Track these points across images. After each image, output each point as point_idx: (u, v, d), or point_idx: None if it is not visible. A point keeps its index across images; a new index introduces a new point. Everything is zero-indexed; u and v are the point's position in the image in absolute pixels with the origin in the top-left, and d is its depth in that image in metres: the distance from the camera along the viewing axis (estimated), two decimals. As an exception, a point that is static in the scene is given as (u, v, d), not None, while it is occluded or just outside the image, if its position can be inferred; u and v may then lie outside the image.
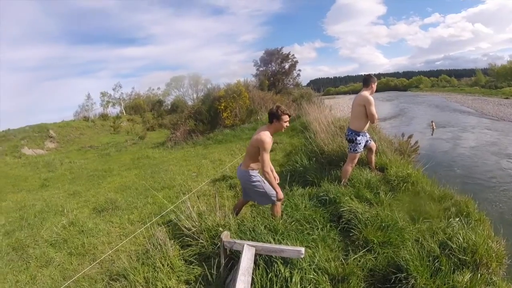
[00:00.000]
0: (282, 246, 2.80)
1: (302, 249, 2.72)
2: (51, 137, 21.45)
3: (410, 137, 7.35)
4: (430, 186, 4.97)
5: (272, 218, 3.83)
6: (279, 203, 3.90)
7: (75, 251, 4.36)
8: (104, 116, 32.65)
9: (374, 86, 5.00)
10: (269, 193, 3.78)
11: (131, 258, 3.52)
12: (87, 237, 4.71)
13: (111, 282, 3.31)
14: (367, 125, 5.06)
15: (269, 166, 3.64)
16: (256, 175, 3.79)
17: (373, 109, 4.82)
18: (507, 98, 26.62)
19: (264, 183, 3.81)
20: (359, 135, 4.99)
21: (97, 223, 5.20)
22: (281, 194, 3.76)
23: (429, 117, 18.43)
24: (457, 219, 3.72)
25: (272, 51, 26.89)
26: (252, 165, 3.75)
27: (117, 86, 47.62)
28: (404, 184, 4.92)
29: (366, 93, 4.93)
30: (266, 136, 3.57)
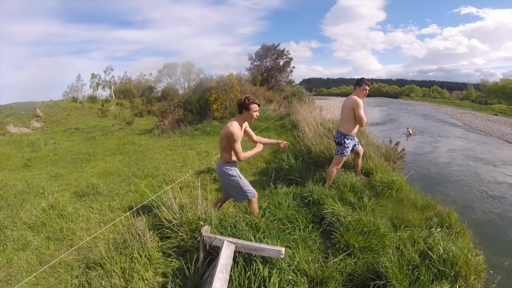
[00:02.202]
0: (263, 245, 2.78)
1: (282, 249, 2.70)
2: (38, 116, 21.03)
3: (397, 144, 7.41)
4: (414, 194, 5.00)
5: (251, 215, 3.80)
6: (255, 200, 3.88)
7: (53, 236, 4.27)
8: (92, 98, 32.24)
9: (366, 89, 4.95)
10: (245, 189, 3.78)
11: (108, 247, 3.47)
12: (66, 222, 4.62)
13: (87, 270, 3.27)
14: (356, 128, 5.04)
15: (241, 153, 3.65)
16: (232, 169, 3.78)
17: (362, 112, 4.81)
18: (496, 114, 27.11)
19: (241, 178, 3.81)
20: (347, 139, 4.97)
21: (77, 208, 5.11)
22: (281, 142, 4.12)
23: (417, 126, 18.77)
24: (439, 229, 3.73)
25: (269, 46, 26.81)
26: (227, 157, 3.74)
27: (108, 69, 47.05)
28: (388, 191, 4.94)
29: (355, 96, 4.91)
30: (233, 127, 3.57)
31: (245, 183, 3.81)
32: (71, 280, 3.22)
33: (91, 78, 45.74)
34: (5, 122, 18.16)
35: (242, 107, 3.67)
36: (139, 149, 11.03)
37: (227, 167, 3.75)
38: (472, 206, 6.19)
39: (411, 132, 15.73)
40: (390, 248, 3.42)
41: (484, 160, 10.50)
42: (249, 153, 3.78)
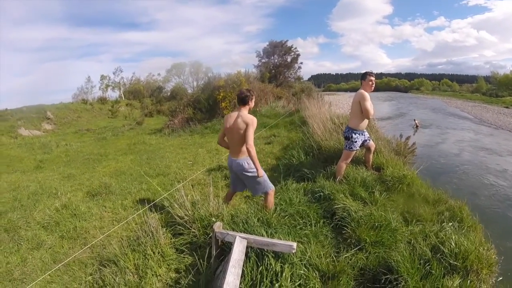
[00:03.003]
0: (274, 240, 2.79)
1: (294, 244, 2.71)
2: (49, 118, 21.36)
3: (408, 138, 7.35)
4: (425, 188, 4.95)
5: (264, 210, 3.82)
6: (272, 194, 3.92)
7: (67, 235, 4.35)
8: (102, 100, 32.55)
9: (372, 80, 4.91)
10: (266, 182, 3.84)
11: (122, 244, 3.51)
12: (80, 221, 4.70)
13: (101, 267, 3.32)
14: (364, 122, 5.01)
15: (252, 141, 3.65)
16: (251, 162, 3.79)
17: (367, 104, 4.78)
18: (507, 107, 26.64)
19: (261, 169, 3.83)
20: (355, 133, 4.95)
21: (90, 207, 5.19)
22: (261, 172, 3.77)
23: (428, 119, 18.62)
24: (450, 223, 3.70)
25: (276, 43, 26.68)
26: (245, 150, 3.74)
27: (117, 70, 47.57)
28: (400, 185, 4.90)
29: (362, 90, 4.90)
30: (251, 116, 3.73)
31: (265, 175, 3.86)
32: (85, 278, 3.28)
33: (100, 80, 46.31)
34: (17, 126, 18.49)
35: (248, 99, 3.83)
36: (150, 148, 11.13)
37: (247, 161, 3.78)
38: (484, 200, 6.17)
39: (417, 124, 15.93)
40: (401, 242, 3.41)
41: (497, 154, 10.39)
42: (255, 156, 3.72)
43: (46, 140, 14.69)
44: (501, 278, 3.30)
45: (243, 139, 3.67)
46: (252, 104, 3.88)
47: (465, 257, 3.00)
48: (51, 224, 4.64)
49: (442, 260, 2.99)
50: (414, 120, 16.92)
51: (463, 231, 3.54)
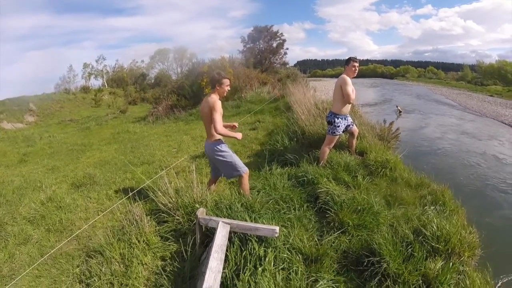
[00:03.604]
0: (257, 225, 2.84)
1: (277, 228, 2.76)
2: (31, 110, 20.92)
3: (391, 123, 7.44)
4: (408, 173, 5.07)
5: (241, 193, 3.87)
6: (246, 177, 3.95)
7: (53, 228, 4.30)
8: (85, 89, 31.96)
9: (355, 66, 4.97)
10: (237, 165, 3.86)
11: (107, 234, 3.52)
12: (65, 213, 4.63)
13: (87, 258, 3.32)
14: (347, 107, 5.08)
15: (221, 124, 3.70)
16: (223, 145, 3.86)
17: (349, 88, 4.84)
18: (491, 95, 26.95)
19: (233, 153, 3.90)
20: (337, 118, 5.02)
21: (75, 199, 5.12)
22: (239, 135, 3.91)
23: (411, 106, 18.90)
24: (433, 207, 3.78)
25: (261, 28, 26.45)
26: (215, 133, 3.78)
27: (100, 58, 46.45)
28: (382, 170, 5.00)
29: (344, 74, 4.96)
30: (216, 98, 3.70)
31: (237, 159, 3.90)
32: (72, 270, 3.28)
33: (83, 68, 45.31)
34: (-1, 119, 18.02)
35: (216, 82, 3.78)
36: (134, 137, 11.04)
37: (218, 145, 3.82)
38: (463, 180, 6.36)
39: (400, 110, 16.26)
40: (384, 225, 3.47)
41: (477, 138, 10.70)
42: (228, 132, 3.83)
43: (29, 133, 14.44)
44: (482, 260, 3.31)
45: (210, 122, 3.72)
46: (222, 88, 3.80)
47: (447, 240, 3.05)
48: (37, 218, 4.57)
49: (424, 243, 3.03)
50: (397, 106, 17.17)
51: (445, 214, 3.61)
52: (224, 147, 3.84)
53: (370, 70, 78.48)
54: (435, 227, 3.18)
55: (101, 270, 3.01)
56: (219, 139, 3.83)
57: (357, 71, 5.02)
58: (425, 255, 2.89)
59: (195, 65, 19.18)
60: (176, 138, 9.49)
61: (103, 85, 40.30)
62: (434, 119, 14.83)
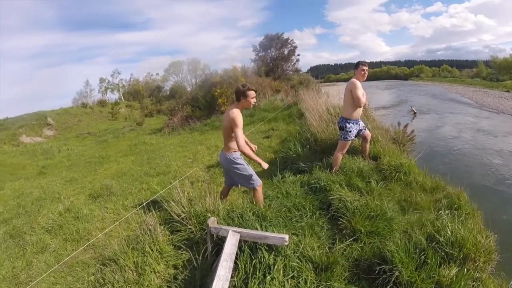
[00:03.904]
0: (267, 233, 2.85)
1: (286, 237, 2.75)
2: (49, 124, 21.46)
3: (406, 126, 7.36)
4: (423, 176, 4.95)
5: (256, 204, 3.87)
6: (259, 189, 3.92)
7: (70, 237, 4.45)
8: (102, 103, 32.68)
9: (364, 69, 4.96)
10: (251, 177, 3.84)
11: (122, 243, 3.59)
12: (82, 223, 4.80)
13: (102, 266, 3.39)
14: (358, 111, 5.04)
15: (243, 140, 3.66)
16: (239, 157, 3.84)
17: (359, 92, 4.82)
18: (508, 91, 26.27)
19: (248, 166, 3.88)
20: (349, 123, 4.98)
21: (92, 209, 5.28)
22: (265, 165, 3.81)
23: (428, 106, 18.62)
24: (447, 211, 3.68)
25: (272, 36, 26.60)
26: (232, 146, 3.78)
27: (115, 72, 47.55)
28: (397, 174, 4.92)
29: (354, 78, 4.95)
30: (237, 113, 3.62)
31: (252, 171, 3.88)
32: (87, 278, 3.37)
33: (99, 83, 46.48)
34: (18, 134, 18.60)
35: (240, 95, 3.72)
36: (150, 148, 11.23)
37: (234, 155, 3.81)
38: (484, 182, 6.19)
39: (415, 111, 16.11)
40: (397, 232, 3.40)
41: (494, 135, 10.44)
42: (250, 152, 3.72)
43: (48, 146, 14.83)
44: (500, 265, 3.18)
45: (229, 135, 3.72)
46: (247, 101, 3.72)
47: (462, 246, 2.96)
48: (55, 228, 4.75)
49: (438, 249, 2.93)
50: (411, 107, 17.03)
51: (461, 218, 3.49)
52: (239, 159, 3.83)
53: (384, 72, 78.21)
54: (449, 232, 3.09)
55: (114, 277, 3.07)
56: (236, 151, 3.81)
57: (366, 75, 5.00)
58: (438, 262, 2.80)
59: (208, 76, 19.44)
60: (192, 148, 9.61)
61: (119, 99, 41.16)
62: (450, 118, 14.58)
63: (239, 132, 3.58)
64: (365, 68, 4.97)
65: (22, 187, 7.87)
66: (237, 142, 3.61)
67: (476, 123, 13.10)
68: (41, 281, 3.43)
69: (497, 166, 7.15)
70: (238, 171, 3.84)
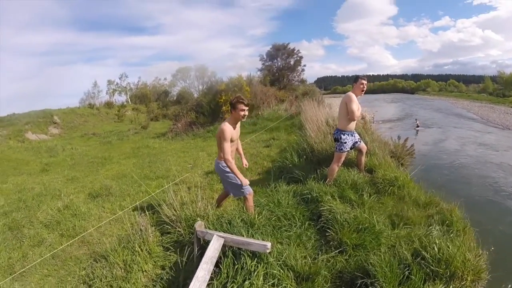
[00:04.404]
0: (250, 240, 2.93)
1: (268, 244, 2.83)
2: (55, 123, 21.79)
3: (406, 140, 7.41)
4: (417, 191, 4.96)
5: (247, 211, 3.95)
6: (250, 198, 4.01)
7: (66, 233, 4.59)
8: (109, 104, 33.05)
9: (363, 83, 5.02)
10: (243, 186, 3.92)
11: (114, 241, 3.72)
12: (79, 221, 4.93)
13: (93, 262, 3.52)
14: (353, 124, 5.09)
15: (229, 154, 3.78)
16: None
17: (353, 106, 4.86)
18: (514, 107, 26.27)
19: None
20: (344, 134, 5.03)
21: (90, 208, 5.43)
22: (245, 181, 3.89)
23: (432, 120, 18.65)
24: (437, 227, 3.66)
25: (279, 46, 26.88)
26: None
27: (123, 76, 48.14)
28: (390, 188, 4.93)
29: (350, 92, 5.03)
30: (225, 126, 3.77)
31: (243, 180, 3.96)
32: (79, 272, 3.51)
33: (107, 85, 47.08)
34: (24, 130, 18.96)
35: (231, 107, 3.89)
36: (152, 152, 11.38)
37: (223, 164, 3.91)
38: (481, 194, 6.20)
39: (418, 124, 16.14)
40: (384, 246, 3.41)
41: (495, 149, 10.52)
42: (234, 167, 3.86)
43: (53, 144, 15.08)
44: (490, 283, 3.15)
45: (219, 145, 3.87)
46: (236, 112, 3.84)
47: (449, 263, 2.93)
48: (53, 223, 4.89)
49: (424, 266, 2.93)
50: (416, 120, 17.13)
51: (451, 235, 3.48)
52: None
53: (390, 85, 78.34)
54: (436, 248, 3.07)
55: (103, 273, 3.21)
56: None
57: (365, 89, 5.07)
58: (423, 278, 2.80)
59: (213, 83, 19.66)
60: (193, 154, 9.71)
61: (126, 101, 41.57)
62: (454, 132, 14.66)
63: (225, 145, 3.75)
64: (364, 82, 5.04)
65: (24, 182, 8.04)
66: (223, 154, 3.79)
67: (479, 137, 13.16)
68: (35, 272, 3.59)
69: (496, 178, 7.20)
70: (229, 180, 3.94)
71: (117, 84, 47.64)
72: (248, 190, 3.98)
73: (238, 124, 4.02)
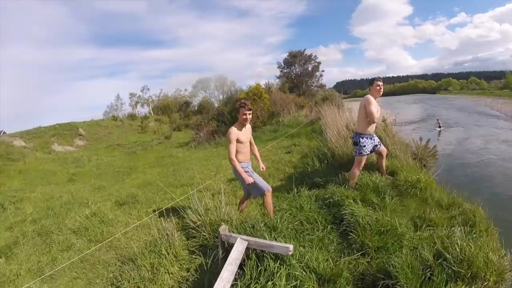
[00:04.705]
0: (272, 242, 3.00)
1: (291, 246, 2.88)
2: (80, 135, 22.55)
3: (428, 141, 7.31)
4: (440, 192, 4.90)
5: (266, 212, 4.10)
6: (269, 195, 4.15)
7: (94, 238, 4.78)
8: (132, 116, 33.97)
9: (379, 85, 5.03)
10: (258, 184, 4.08)
11: (141, 245, 3.91)
12: (107, 227, 5.13)
13: (121, 265, 3.66)
14: (372, 127, 5.09)
15: (232, 154, 4.02)
16: (245, 166, 4.12)
17: (372, 108, 4.86)
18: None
19: (253, 173, 4.13)
20: (362, 137, 5.03)
21: (117, 215, 5.64)
22: (247, 179, 4.02)
23: (455, 120, 18.29)
24: (460, 228, 3.60)
25: (296, 52, 27.00)
26: (238, 157, 4.10)
27: (144, 88, 49.48)
28: (413, 190, 4.89)
29: (368, 95, 5.03)
30: (230, 129, 4.07)
31: (258, 178, 4.14)
32: (107, 274, 3.67)
33: (130, 97, 48.40)
34: (50, 142, 19.77)
35: (236, 112, 4.18)
36: (176, 161, 11.62)
37: (241, 165, 4.09)
38: (505, 192, 6.09)
39: (440, 124, 16.07)
40: (406, 248, 3.39)
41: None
42: (238, 166, 4.06)
43: (79, 155, 15.62)
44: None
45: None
46: (239, 117, 4.17)
47: (471, 264, 2.88)
48: (81, 229, 5.10)
49: (446, 267, 2.91)
50: (437, 120, 16.97)
51: (474, 235, 3.44)
52: (246, 168, 4.12)
53: (411, 86, 77.55)
54: (457, 249, 3.03)
55: (130, 275, 3.35)
56: (242, 161, 4.13)
57: (382, 91, 5.07)
58: (445, 280, 2.78)
59: (233, 93, 19.94)
60: (216, 162, 9.86)
61: (149, 113, 42.49)
62: (476, 130, 14.52)
63: (229, 146, 4.03)
64: (380, 83, 5.05)
65: (52, 191, 8.38)
66: (228, 155, 4.04)
67: (502, 134, 13.00)
68: (64, 275, 3.79)
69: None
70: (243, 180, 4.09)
71: (139, 96, 48.87)
72: (266, 187, 4.14)
73: (248, 127, 4.27)
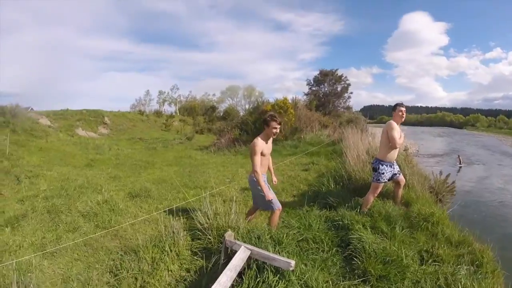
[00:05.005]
0: (275, 255, 2.98)
1: (292, 262, 2.86)
2: (105, 123, 23.17)
3: (447, 176, 7.16)
4: (451, 229, 4.78)
5: (269, 226, 4.08)
6: (278, 212, 4.13)
7: (102, 225, 4.88)
8: (158, 113, 34.72)
9: (402, 111, 5.00)
10: (271, 200, 4.03)
11: (145, 239, 3.94)
12: (116, 216, 5.23)
13: (123, 255, 3.73)
14: (392, 153, 4.99)
15: (258, 166, 3.96)
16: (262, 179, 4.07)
17: (395, 133, 4.80)
18: None
19: (270, 189, 4.10)
20: (382, 164, 4.94)
21: (128, 206, 5.74)
22: (268, 195, 3.97)
23: (477, 157, 17.95)
24: (466, 267, 3.57)
25: (327, 71, 27.02)
26: (259, 169, 4.04)
27: (174, 88, 50.44)
28: (424, 223, 4.78)
29: (391, 120, 4.98)
30: (257, 140, 4.05)
31: (272, 195, 4.09)
32: (107, 262, 3.73)
33: (158, 95, 49.39)
34: (75, 125, 20.46)
35: (264, 123, 4.14)
36: (194, 162, 11.77)
37: (254, 177, 4.07)
38: None
39: (461, 160, 15.97)
40: (409, 280, 3.35)
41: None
42: (261, 180, 4.00)
43: (100, 143, 16.08)
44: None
45: (251, 157, 4.06)
46: (269, 129, 4.11)
47: None
48: (90, 214, 5.20)
49: None
50: (458, 156, 16.86)
51: (479, 276, 3.40)
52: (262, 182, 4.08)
53: (438, 118, 76.35)
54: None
55: (130, 265, 3.41)
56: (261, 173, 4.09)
57: (404, 116, 5.04)
58: None
59: (259, 103, 20.07)
60: (232, 169, 9.91)
61: (175, 112, 43.24)
62: (498, 170, 14.36)
63: (255, 158, 3.98)
64: (403, 109, 5.01)
65: (69, 173, 8.64)
66: (252, 166, 4.01)
67: None
68: (65, 254, 3.88)
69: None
70: (260, 193, 4.06)
71: (167, 94, 49.82)
72: (277, 205, 4.10)
73: (270, 140, 4.24)
